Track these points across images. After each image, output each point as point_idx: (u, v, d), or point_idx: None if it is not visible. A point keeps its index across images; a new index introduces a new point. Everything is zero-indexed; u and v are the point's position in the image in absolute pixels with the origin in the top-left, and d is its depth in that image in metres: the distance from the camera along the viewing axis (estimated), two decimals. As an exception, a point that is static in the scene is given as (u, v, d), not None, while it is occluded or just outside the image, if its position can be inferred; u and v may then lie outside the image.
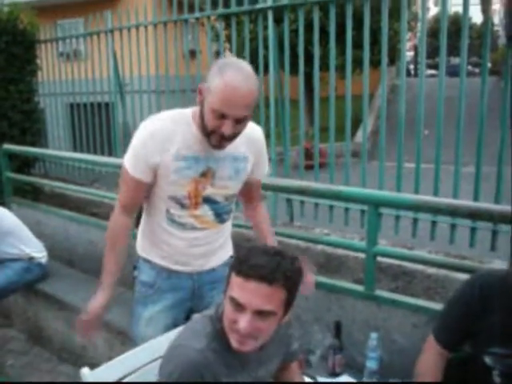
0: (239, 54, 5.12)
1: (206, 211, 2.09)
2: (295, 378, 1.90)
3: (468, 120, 3.48)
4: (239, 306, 1.47)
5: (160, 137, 1.94)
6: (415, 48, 27.65)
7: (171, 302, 2.19)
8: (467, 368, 1.95)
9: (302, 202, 4.30)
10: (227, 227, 2.26)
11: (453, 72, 11.07)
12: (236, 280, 1.48)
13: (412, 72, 27.08)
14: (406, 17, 3.70)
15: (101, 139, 6.86)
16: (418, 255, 2.98)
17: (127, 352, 1.90)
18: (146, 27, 5.40)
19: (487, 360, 1.84)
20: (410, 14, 14.20)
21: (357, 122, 6.80)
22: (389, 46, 3.78)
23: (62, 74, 6.87)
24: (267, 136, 4.53)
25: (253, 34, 5.03)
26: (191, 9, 4.91)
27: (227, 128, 1.82)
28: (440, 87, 3.50)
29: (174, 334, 1.76)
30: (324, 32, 4.16)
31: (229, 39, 8.08)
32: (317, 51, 4.07)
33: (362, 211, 3.84)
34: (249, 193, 2.29)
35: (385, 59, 3.76)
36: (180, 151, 1.96)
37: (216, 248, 2.22)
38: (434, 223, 3.63)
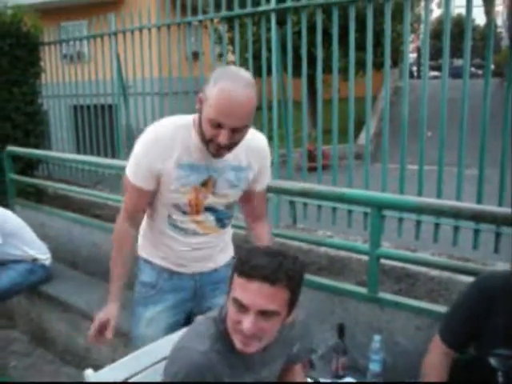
0: (242, 56, 5.13)
1: (207, 217, 2.09)
2: (298, 380, 1.90)
3: (471, 122, 3.48)
4: (242, 307, 1.47)
5: (162, 144, 1.93)
6: (418, 50, 27.66)
7: (172, 302, 2.19)
8: (472, 369, 1.95)
9: (305, 204, 4.30)
10: (228, 230, 2.27)
11: (456, 74, 11.08)
12: (238, 281, 1.48)
13: (415, 74, 27.06)
14: (409, 19, 3.70)
15: (104, 141, 6.87)
16: (422, 257, 2.97)
17: (130, 354, 1.90)
18: (149, 30, 5.41)
19: (492, 361, 1.84)
20: (413, 15, 14.20)
21: (360, 124, 6.79)
22: (392, 48, 3.78)
23: (66, 76, 6.89)
24: (270, 138, 4.55)
25: (256, 36, 5.04)
26: (194, 11, 4.92)
27: (223, 138, 1.79)
28: (443, 89, 3.50)
29: (176, 336, 1.76)
30: (327, 34, 4.17)
31: (232, 41, 8.08)
32: (320, 53, 4.07)
33: (365, 213, 3.83)
34: (251, 207, 2.24)
35: (388, 61, 3.76)
36: (181, 159, 1.95)
37: (218, 251, 2.22)
38: (437, 225, 3.63)
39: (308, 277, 2.62)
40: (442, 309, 2.33)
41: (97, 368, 1.82)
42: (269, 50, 4.43)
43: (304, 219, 4.40)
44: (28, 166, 6.13)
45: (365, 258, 2.92)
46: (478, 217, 2.42)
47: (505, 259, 3.06)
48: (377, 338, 2.34)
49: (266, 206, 2.33)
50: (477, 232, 3.45)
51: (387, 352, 2.39)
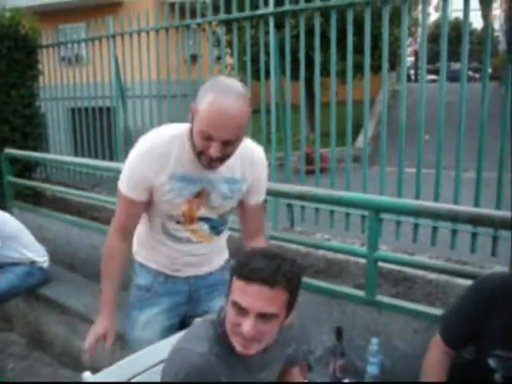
0: (240, 59, 5.14)
1: (201, 226, 2.08)
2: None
3: (468, 125, 3.48)
4: (242, 310, 1.47)
5: (156, 157, 1.90)
6: (416, 53, 27.70)
7: (167, 305, 2.19)
8: (471, 370, 1.96)
9: (303, 207, 4.31)
10: (223, 235, 2.26)
11: (453, 77, 11.10)
12: (237, 284, 1.49)
13: (412, 77, 27.11)
14: (407, 22, 3.71)
15: (102, 144, 6.86)
16: (419, 261, 2.98)
17: (127, 357, 1.90)
18: (147, 32, 5.42)
19: (491, 362, 1.85)
20: (411, 19, 14.23)
21: (357, 127, 6.81)
22: (389, 52, 3.79)
23: (64, 78, 6.88)
24: (268, 141, 4.56)
25: (254, 39, 5.05)
26: (193, 14, 4.92)
27: (214, 150, 1.76)
28: (441, 92, 3.51)
29: (174, 339, 1.76)
30: (325, 37, 4.18)
31: (230, 44, 8.10)
32: (318, 57, 4.08)
33: (363, 216, 3.84)
34: (246, 221, 2.20)
35: (385, 64, 3.78)
36: (175, 171, 1.92)
37: (212, 256, 2.23)
38: (434, 229, 3.63)
39: (306, 280, 2.61)
40: (439, 312, 2.34)
41: (94, 371, 1.82)
42: (267, 53, 4.44)
43: (302, 222, 4.40)
44: (26, 168, 6.13)
45: (362, 261, 2.93)
46: (475, 220, 2.42)
47: (502, 262, 3.07)
48: (374, 340, 2.35)
49: (262, 222, 2.26)
50: (474, 235, 3.45)
51: (385, 355, 2.39)
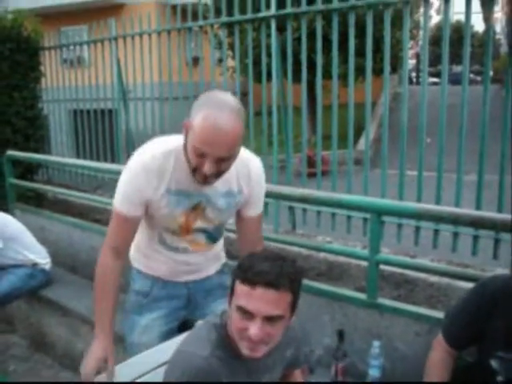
0: (242, 62, 5.15)
1: (198, 236, 2.06)
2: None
3: (470, 128, 3.49)
4: (248, 314, 1.47)
5: (152, 173, 1.85)
6: (417, 56, 27.70)
7: (166, 310, 2.18)
8: (473, 372, 1.96)
9: (305, 210, 4.31)
10: (220, 241, 2.25)
11: (455, 80, 11.10)
12: (242, 288, 1.49)
13: (414, 80, 27.12)
14: (409, 25, 3.72)
15: (104, 146, 6.88)
16: (421, 263, 2.98)
17: (131, 358, 1.90)
18: (149, 35, 5.43)
19: (493, 364, 1.85)
20: (412, 22, 14.23)
21: (359, 130, 6.81)
22: (391, 54, 3.80)
23: (66, 80, 6.91)
24: (270, 143, 4.57)
25: (256, 41, 5.06)
26: (195, 17, 4.94)
27: (208, 167, 1.71)
28: (442, 95, 3.51)
29: (177, 340, 1.76)
30: (327, 40, 4.19)
31: (232, 47, 8.11)
32: (319, 59, 4.08)
33: (365, 219, 3.84)
34: (244, 234, 2.14)
35: (387, 67, 3.78)
36: (171, 185, 1.89)
37: (209, 263, 2.23)
38: (436, 231, 3.64)
39: (307, 282, 2.63)
40: (440, 315, 2.33)
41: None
42: (269, 55, 4.45)
43: (303, 225, 4.41)
44: (28, 170, 6.14)
45: (364, 263, 2.93)
46: (477, 223, 2.42)
47: (504, 265, 3.07)
48: (376, 343, 2.35)
49: (260, 234, 2.19)
50: (476, 238, 3.46)
51: (386, 357, 2.39)
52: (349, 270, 3.50)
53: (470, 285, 2.20)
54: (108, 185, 6.11)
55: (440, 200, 3.60)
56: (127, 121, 6.12)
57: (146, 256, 2.16)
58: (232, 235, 2.59)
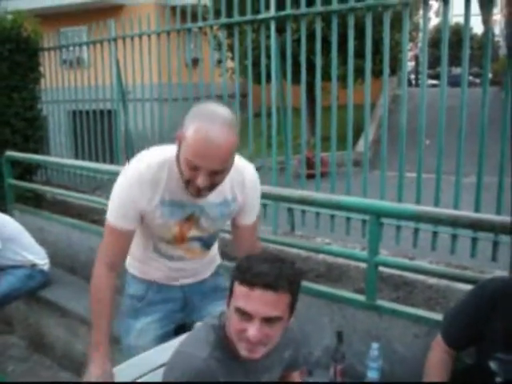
0: (241, 63, 5.15)
1: (193, 244, 2.05)
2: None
3: (469, 130, 3.49)
4: (246, 315, 1.47)
5: (145, 183, 1.82)
6: (416, 58, 27.72)
7: (162, 313, 2.17)
8: (472, 374, 1.97)
9: (304, 212, 4.31)
10: (214, 246, 2.25)
11: (454, 82, 11.09)
12: (240, 290, 1.49)
13: (413, 82, 27.14)
14: (408, 27, 3.72)
15: (103, 147, 6.88)
16: (419, 265, 2.98)
17: (127, 361, 1.90)
18: (149, 36, 5.43)
19: (492, 365, 1.85)
20: (412, 24, 14.25)
21: (358, 132, 6.82)
22: (390, 56, 3.81)
23: (65, 81, 6.91)
24: (269, 145, 4.57)
25: (255, 43, 5.07)
26: (194, 18, 4.94)
27: (201, 180, 1.68)
28: (441, 97, 3.52)
29: (176, 342, 1.76)
30: (326, 42, 4.19)
31: (231, 48, 8.11)
32: (319, 61, 4.09)
33: (364, 221, 3.85)
34: (240, 242, 2.12)
35: (386, 69, 3.79)
36: (164, 197, 1.87)
37: (205, 268, 2.23)
38: (435, 233, 3.64)
39: (306, 284, 2.63)
40: (439, 317, 2.33)
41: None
42: (268, 57, 4.45)
43: (302, 226, 4.40)
44: (27, 171, 6.13)
45: (363, 265, 2.93)
46: (475, 225, 2.43)
47: (502, 267, 3.07)
48: (375, 345, 2.35)
49: (256, 240, 2.17)
50: (475, 240, 3.46)
51: (385, 359, 2.39)
52: (348, 271, 3.50)
53: (468, 287, 2.20)
54: (107, 186, 6.09)
55: (439, 202, 3.61)
56: (126, 122, 6.12)
57: (140, 262, 2.14)
58: (227, 236, 2.59)
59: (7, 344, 4.12)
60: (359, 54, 4.09)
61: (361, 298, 2.64)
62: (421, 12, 5.08)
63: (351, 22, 3.84)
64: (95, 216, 5.11)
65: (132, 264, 2.19)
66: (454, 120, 3.56)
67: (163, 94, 5.50)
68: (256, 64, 4.69)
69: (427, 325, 2.37)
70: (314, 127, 4.32)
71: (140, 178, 1.83)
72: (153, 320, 2.16)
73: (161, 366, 1.82)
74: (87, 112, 6.87)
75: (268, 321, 1.47)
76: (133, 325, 2.16)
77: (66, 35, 7.34)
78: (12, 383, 3.61)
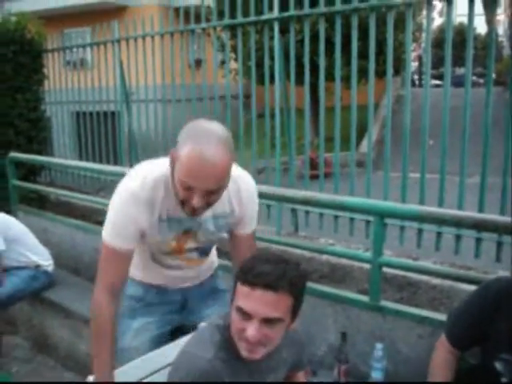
0: (245, 64, 5.15)
1: (190, 254, 2.04)
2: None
3: (473, 130, 3.49)
4: (246, 315, 1.47)
5: (141, 202, 1.78)
6: (419, 58, 27.68)
7: (159, 314, 2.17)
8: (477, 374, 1.96)
9: (307, 212, 4.31)
10: (212, 251, 2.24)
11: (458, 82, 11.08)
12: (242, 289, 1.49)
13: (416, 82, 27.09)
14: (411, 27, 3.72)
15: (106, 148, 6.89)
16: (423, 266, 2.98)
17: (130, 363, 1.90)
18: (152, 37, 5.44)
19: (497, 366, 1.85)
20: (415, 24, 14.24)
21: (362, 132, 6.81)
22: (394, 57, 3.80)
23: (69, 82, 6.92)
24: (272, 146, 4.57)
25: (258, 44, 5.07)
26: (197, 19, 4.95)
27: (196, 201, 1.64)
28: (445, 97, 3.51)
29: (181, 342, 1.76)
30: (329, 43, 4.19)
31: (234, 49, 8.11)
32: (322, 61, 4.09)
33: (367, 221, 3.84)
34: (238, 252, 2.07)
35: (390, 70, 3.78)
36: (162, 214, 1.83)
37: (203, 273, 2.23)
38: (439, 234, 3.63)
39: (310, 284, 2.62)
40: (443, 317, 2.33)
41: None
42: (271, 58, 4.45)
43: (306, 227, 4.40)
44: (31, 172, 6.15)
45: (366, 266, 2.92)
46: (479, 225, 2.42)
47: (506, 268, 3.06)
48: (379, 346, 2.34)
49: (254, 250, 2.12)
50: (478, 241, 3.45)
51: (389, 360, 2.39)
52: (351, 272, 3.49)
53: (472, 287, 2.19)
54: (110, 187, 6.11)
55: (443, 202, 3.60)
56: (130, 123, 6.13)
57: (139, 269, 2.13)
58: (224, 234, 2.58)
59: (11, 345, 4.13)
60: (363, 54, 4.09)
61: (365, 298, 2.64)
62: (424, 12, 5.07)
63: (355, 22, 3.84)
64: (99, 217, 5.11)
65: (131, 269, 2.19)
66: (457, 120, 3.55)
67: (166, 95, 5.50)
68: (259, 65, 4.69)
69: (431, 325, 2.37)
70: (318, 128, 4.32)
71: (135, 195, 1.77)
72: (150, 321, 2.15)
73: (164, 367, 1.82)
74: (91, 113, 6.88)
75: (268, 322, 1.47)
76: (130, 324, 2.15)
77: (69, 37, 7.37)
78: (17, 383, 3.61)
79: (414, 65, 29.14)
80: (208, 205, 1.71)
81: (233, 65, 8.09)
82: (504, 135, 3.30)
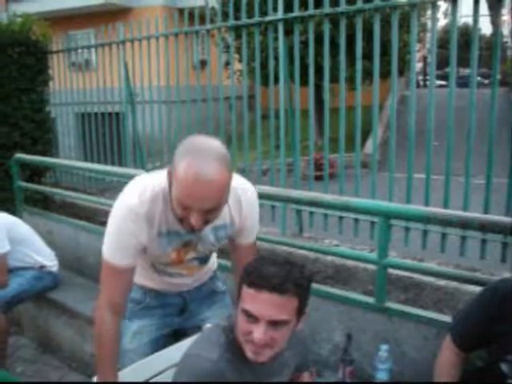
0: (249, 65, 5.15)
1: (191, 263, 2.04)
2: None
3: (478, 131, 3.48)
4: (252, 318, 1.47)
5: (140, 217, 1.75)
6: (424, 59, 27.64)
7: (159, 317, 2.18)
8: (484, 376, 1.95)
9: (312, 213, 4.31)
10: (212, 257, 2.24)
11: (462, 83, 11.06)
12: (248, 292, 1.49)
13: (421, 83, 27.04)
14: (416, 28, 3.71)
15: (111, 149, 6.90)
16: (428, 267, 2.97)
17: (133, 364, 1.90)
18: (157, 38, 5.45)
19: (503, 367, 1.84)
20: (420, 25, 14.22)
21: (366, 133, 6.80)
22: (398, 57, 3.79)
23: (74, 84, 6.94)
24: (277, 147, 4.57)
25: (263, 45, 5.08)
26: (202, 20, 4.95)
27: (194, 220, 1.60)
28: (450, 98, 3.50)
29: (187, 343, 1.76)
30: (334, 43, 4.19)
31: (239, 50, 8.12)
32: (327, 62, 4.09)
33: (372, 222, 3.84)
34: (239, 260, 2.03)
35: (395, 70, 3.78)
36: (161, 229, 1.82)
37: (203, 276, 2.23)
38: (444, 235, 3.62)
39: (315, 285, 2.62)
40: (448, 319, 2.32)
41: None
42: (276, 59, 4.45)
43: (310, 228, 4.40)
44: (36, 173, 6.16)
45: (371, 267, 2.92)
46: (485, 227, 2.41)
47: (511, 269, 3.05)
48: (384, 347, 2.34)
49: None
50: (484, 242, 3.44)
51: (394, 361, 2.38)
52: (356, 273, 3.49)
53: (478, 289, 2.19)
54: (115, 188, 6.12)
55: (448, 203, 3.59)
56: (134, 124, 6.13)
57: (139, 276, 2.11)
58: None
59: (16, 345, 4.13)
60: (367, 55, 4.09)
61: (370, 299, 2.63)
62: (429, 13, 5.07)
63: (359, 23, 3.84)
64: (103, 218, 5.09)
65: None
66: (462, 121, 3.55)
67: (171, 97, 5.51)
68: (264, 66, 4.69)
69: (436, 327, 2.36)
70: (322, 129, 4.31)
71: (135, 215, 1.75)
72: (149, 323, 2.16)
73: (165, 369, 1.83)
74: (95, 114, 6.89)
75: (274, 324, 1.47)
76: (129, 326, 2.14)
77: (74, 38, 7.41)
78: (20, 383, 3.62)
79: (419, 65, 29.08)
80: (207, 222, 1.67)
81: (237, 66, 8.10)
82: (509, 135, 3.29)
